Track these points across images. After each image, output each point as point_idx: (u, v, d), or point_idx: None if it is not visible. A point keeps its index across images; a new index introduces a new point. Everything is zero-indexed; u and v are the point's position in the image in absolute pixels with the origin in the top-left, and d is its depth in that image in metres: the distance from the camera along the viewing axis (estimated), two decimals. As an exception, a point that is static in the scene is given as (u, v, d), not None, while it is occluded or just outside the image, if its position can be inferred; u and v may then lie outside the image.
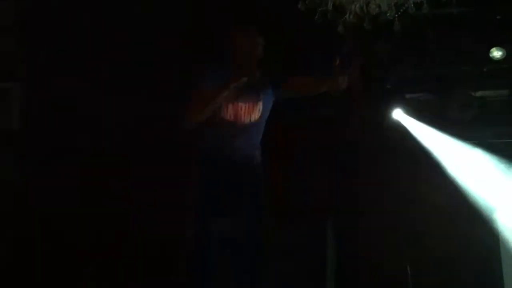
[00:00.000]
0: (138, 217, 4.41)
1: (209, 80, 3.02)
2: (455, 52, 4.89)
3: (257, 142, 3.18)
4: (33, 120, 4.57)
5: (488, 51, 4.76)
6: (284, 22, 4.34)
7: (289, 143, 4.98)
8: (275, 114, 3.24)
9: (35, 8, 4.57)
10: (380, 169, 5.02)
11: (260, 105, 3.12)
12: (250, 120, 3.10)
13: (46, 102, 4.55)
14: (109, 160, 4.48)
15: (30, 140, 4.50)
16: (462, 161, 4.99)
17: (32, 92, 4.60)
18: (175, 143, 4.36)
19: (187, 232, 3.20)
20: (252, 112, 3.10)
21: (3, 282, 3.89)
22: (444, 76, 5.04)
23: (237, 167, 3.08)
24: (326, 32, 3.28)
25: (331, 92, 3.05)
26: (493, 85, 5.06)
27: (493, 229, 4.80)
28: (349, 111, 4.98)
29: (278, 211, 3.70)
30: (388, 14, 3.12)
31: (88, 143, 4.53)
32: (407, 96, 5.24)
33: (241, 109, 3.07)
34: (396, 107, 5.16)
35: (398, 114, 5.16)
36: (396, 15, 3.12)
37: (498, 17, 4.67)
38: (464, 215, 4.74)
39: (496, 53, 4.74)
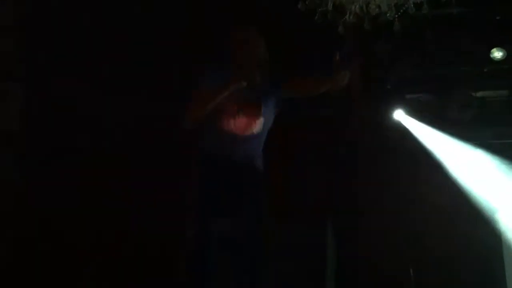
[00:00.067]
0: (138, 217, 4.41)
1: (209, 80, 3.02)
2: (455, 52, 4.90)
3: (259, 151, 3.18)
4: (33, 120, 4.56)
5: (487, 51, 4.77)
6: (284, 22, 4.35)
7: (289, 143, 4.98)
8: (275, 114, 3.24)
9: (34, 8, 4.56)
10: (380, 169, 5.03)
11: (261, 119, 3.11)
12: (251, 133, 3.10)
13: (46, 102, 4.54)
14: (109, 160, 4.48)
15: (30, 140, 4.49)
16: (462, 161, 4.99)
17: (32, 92, 4.58)
18: (175, 143, 4.36)
19: (187, 232, 3.19)
20: (254, 125, 3.09)
21: (3, 282, 3.88)
22: (444, 76, 5.05)
23: (237, 167, 3.08)
24: (326, 32, 3.29)
25: (331, 92, 3.05)
26: (493, 85, 5.07)
27: (495, 230, 4.81)
28: (349, 111, 4.99)
29: (278, 211, 3.71)
30: (388, 15, 3.12)
31: (88, 143, 4.53)
32: (407, 96, 5.25)
33: (242, 123, 3.07)
34: (396, 107, 5.17)
35: (398, 114, 5.16)
36: (396, 16, 3.13)
37: (497, 17, 4.68)
38: (464, 216, 4.75)
39: (497, 54, 4.75)
